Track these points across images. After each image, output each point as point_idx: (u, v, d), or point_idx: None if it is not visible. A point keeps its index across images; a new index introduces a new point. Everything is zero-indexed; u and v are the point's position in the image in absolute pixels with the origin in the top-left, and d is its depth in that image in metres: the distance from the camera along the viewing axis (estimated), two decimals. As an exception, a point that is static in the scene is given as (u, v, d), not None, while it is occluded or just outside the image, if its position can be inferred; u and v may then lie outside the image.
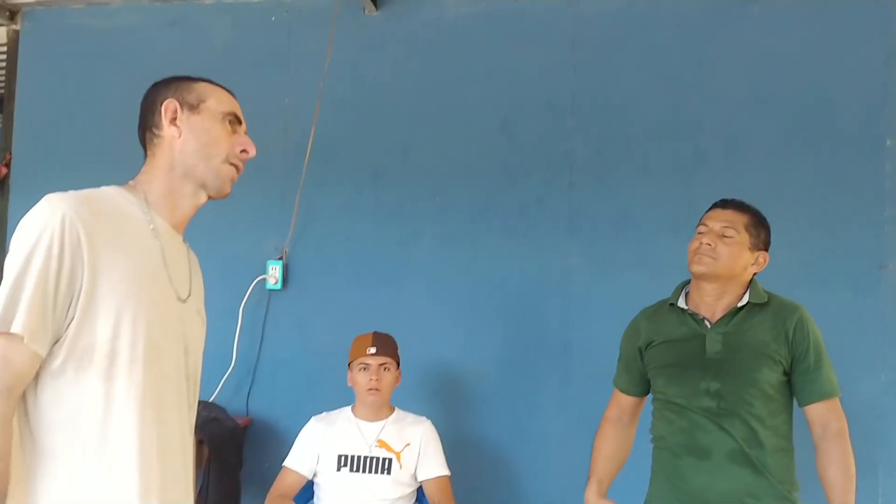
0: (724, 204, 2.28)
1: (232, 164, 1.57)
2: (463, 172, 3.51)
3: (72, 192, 1.45)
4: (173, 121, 1.54)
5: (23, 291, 1.35)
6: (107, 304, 1.40)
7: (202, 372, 1.73)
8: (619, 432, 2.43)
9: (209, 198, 1.59)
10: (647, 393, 2.42)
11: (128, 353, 1.42)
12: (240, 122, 1.61)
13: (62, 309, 1.38)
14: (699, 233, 2.26)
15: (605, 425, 2.45)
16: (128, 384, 1.42)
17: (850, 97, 3.27)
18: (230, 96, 1.63)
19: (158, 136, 1.56)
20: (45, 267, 1.36)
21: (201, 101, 1.56)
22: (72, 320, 1.39)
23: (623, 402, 2.45)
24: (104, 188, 1.53)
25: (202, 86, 1.59)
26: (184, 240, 1.66)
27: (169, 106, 1.55)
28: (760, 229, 2.25)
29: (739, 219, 2.23)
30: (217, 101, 1.58)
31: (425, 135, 3.55)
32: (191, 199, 1.58)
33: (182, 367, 1.56)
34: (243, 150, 1.59)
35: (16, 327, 1.34)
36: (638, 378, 2.40)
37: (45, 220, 1.38)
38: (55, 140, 3.80)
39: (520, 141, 3.49)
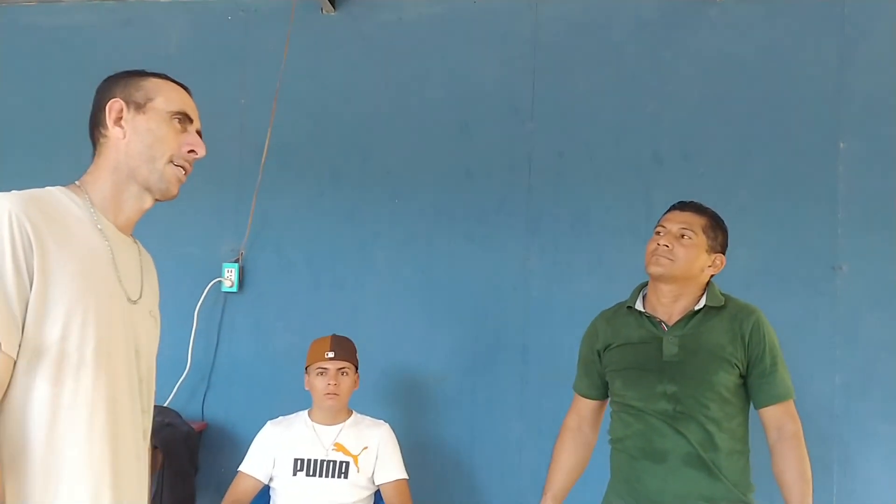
0: (682, 206, 2.29)
1: (178, 164, 1.53)
2: (422, 174, 3.50)
3: (16, 192, 1.40)
4: (118, 121, 1.51)
5: None
6: (56, 305, 1.36)
7: (156, 375, 1.70)
8: (578, 442, 2.42)
9: (155, 200, 1.56)
10: (608, 396, 2.42)
11: (76, 355, 1.38)
12: (191, 121, 1.56)
13: (22, 308, 1.34)
14: (656, 233, 2.26)
15: (564, 434, 2.44)
16: (76, 388, 1.38)
17: (804, 100, 3.32)
18: (182, 93, 1.58)
19: (105, 136, 1.52)
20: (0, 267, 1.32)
21: (149, 99, 1.51)
22: (24, 322, 1.35)
23: (583, 408, 2.44)
24: (49, 189, 1.49)
25: (152, 83, 1.54)
26: (134, 240, 1.62)
27: (114, 106, 1.51)
28: (718, 232, 2.27)
29: (697, 221, 2.24)
30: (165, 100, 1.53)
31: (384, 136, 3.53)
32: (136, 202, 1.54)
33: (134, 370, 1.51)
34: (191, 150, 1.54)
35: None
36: (598, 381, 2.39)
37: None
38: (7, 139, 3.70)
39: (480, 143, 3.48)
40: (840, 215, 3.28)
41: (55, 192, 1.48)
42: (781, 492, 2.12)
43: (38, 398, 1.36)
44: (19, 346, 1.34)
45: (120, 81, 1.54)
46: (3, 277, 1.32)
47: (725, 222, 2.32)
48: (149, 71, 1.58)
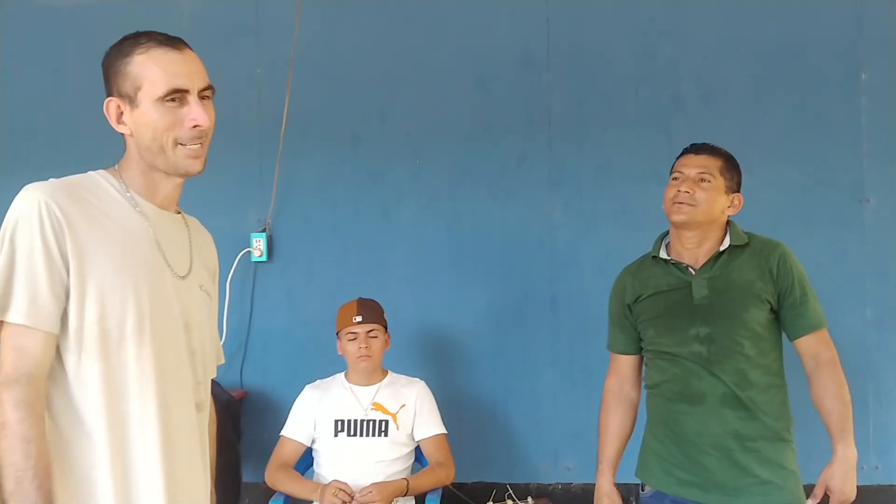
0: (696, 149, 2.27)
1: (187, 144, 1.48)
2: (442, 133, 3.49)
3: (51, 180, 1.45)
4: (119, 119, 1.50)
5: (14, 278, 1.37)
6: (93, 285, 1.41)
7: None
8: (622, 405, 2.39)
9: (183, 177, 1.56)
10: (639, 349, 2.41)
11: (116, 332, 1.43)
12: (186, 91, 1.47)
13: (59, 287, 1.39)
14: (674, 179, 2.25)
15: (608, 399, 2.41)
16: (120, 363, 1.43)
17: (824, 33, 3.28)
18: (166, 63, 1.46)
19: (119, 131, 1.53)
20: (30, 250, 1.38)
21: (136, 89, 1.46)
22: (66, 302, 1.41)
23: (621, 366, 2.41)
24: (89, 173, 1.53)
25: (135, 65, 1.46)
26: (183, 217, 1.65)
27: (109, 107, 1.50)
28: (734, 172, 2.26)
29: (714, 163, 2.23)
30: (151, 84, 1.45)
31: (402, 97, 3.52)
32: (166, 183, 1.55)
33: (183, 343, 1.55)
34: (195, 126, 1.47)
35: (15, 316, 1.37)
36: (633, 334, 2.37)
37: (23, 208, 1.40)
38: (32, 123, 3.72)
39: (498, 98, 3.47)
40: (865, 147, 3.26)
41: (93, 177, 1.52)
42: (822, 417, 2.13)
43: (87, 374, 1.41)
44: (68, 323, 1.40)
45: (110, 69, 1.50)
46: (34, 262, 1.38)
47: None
48: (131, 38, 1.50)
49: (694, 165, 2.23)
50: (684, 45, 3.36)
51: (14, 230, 1.39)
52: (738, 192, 2.27)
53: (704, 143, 2.28)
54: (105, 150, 1.63)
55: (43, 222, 1.38)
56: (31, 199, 1.40)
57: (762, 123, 3.29)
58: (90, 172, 1.53)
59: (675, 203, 2.21)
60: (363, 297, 2.99)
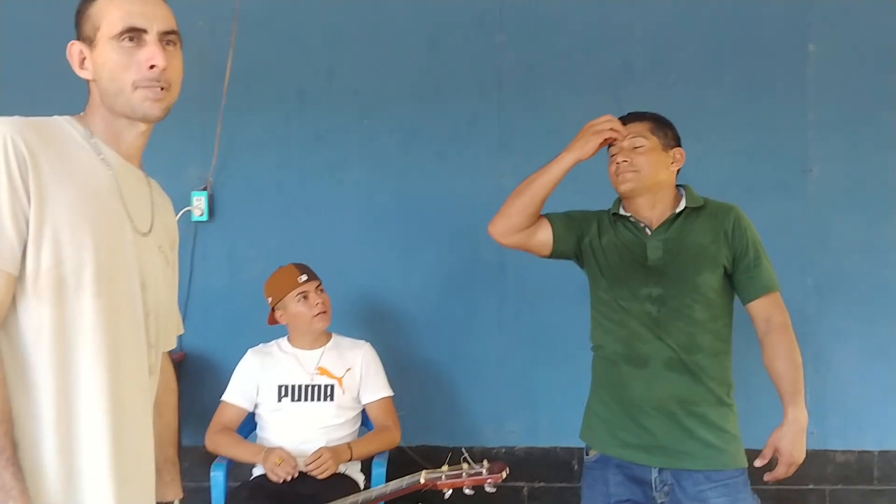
0: (622, 121, 2.28)
1: (145, 87, 1.42)
2: (391, 93, 3.43)
3: (17, 117, 1.39)
4: (82, 64, 1.47)
5: None
6: (51, 228, 1.35)
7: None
8: None
9: (147, 123, 1.50)
10: (554, 252, 2.38)
11: (73, 279, 1.37)
12: (144, 31, 1.43)
13: (23, 227, 1.33)
14: (612, 155, 2.27)
15: None
16: (76, 311, 1.37)
17: (773, 4, 3.30)
18: (128, 2, 1.43)
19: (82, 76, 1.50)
20: None
21: (96, 29, 1.43)
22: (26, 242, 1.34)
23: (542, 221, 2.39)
24: (54, 117, 1.48)
25: (97, 7, 1.44)
26: (146, 176, 1.60)
27: (72, 50, 1.47)
28: (665, 128, 2.28)
29: (642, 127, 2.25)
30: (108, 23, 1.42)
31: (350, 54, 3.44)
32: (130, 130, 1.50)
33: (139, 302, 1.49)
34: (152, 66, 1.42)
35: None
36: (567, 237, 2.36)
37: None
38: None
39: (449, 58, 3.41)
40: (809, 118, 3.31)
41: (59, 120, 1.48)
42: (773, 380, 2.16)
43: (38, 321, 1.35)
44: (23, 266, 1.34)
45: (78, 15, 1.48)
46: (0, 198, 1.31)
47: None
48: None
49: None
50: (636, 10, 3.35)
51: None
52: (679, 146, 2.28)
53: (630, 112, 2.31)
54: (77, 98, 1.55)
55: (9, 158, 1.32)
56: None
57: (710, 91, 3.31)
58: (55, 117, 1.47)
59: (618, 176, 2.23)
60: (301, 262, 2.94)
